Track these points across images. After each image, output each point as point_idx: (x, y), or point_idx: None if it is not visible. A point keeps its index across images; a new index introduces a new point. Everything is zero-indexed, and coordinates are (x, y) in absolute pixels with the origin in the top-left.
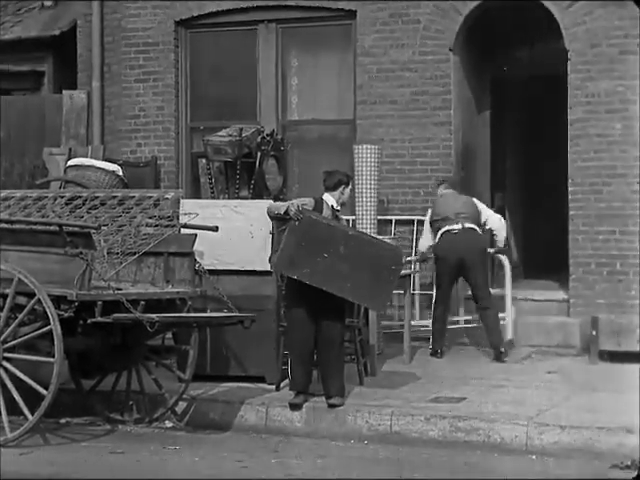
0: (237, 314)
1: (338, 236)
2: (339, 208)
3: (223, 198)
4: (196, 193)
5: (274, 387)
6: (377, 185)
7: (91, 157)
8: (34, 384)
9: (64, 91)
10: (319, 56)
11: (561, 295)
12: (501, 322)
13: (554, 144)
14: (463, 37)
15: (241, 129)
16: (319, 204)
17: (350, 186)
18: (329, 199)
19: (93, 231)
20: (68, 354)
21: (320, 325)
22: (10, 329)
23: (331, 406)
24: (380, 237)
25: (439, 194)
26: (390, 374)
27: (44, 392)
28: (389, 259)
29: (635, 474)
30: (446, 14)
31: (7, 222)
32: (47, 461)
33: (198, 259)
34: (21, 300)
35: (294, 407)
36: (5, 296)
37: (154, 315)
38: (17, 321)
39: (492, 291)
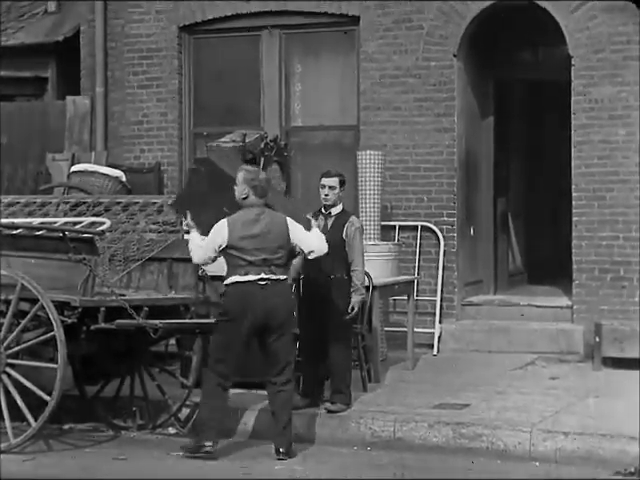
0: None
1: None
2: (325, 210)
3: None
4: None
5: None
6: (380, 191)
7: (94, 163)
8: (37, 390)
9: (67, 97)
10: (322, 62)
11: (564, 301)
12: None
13: (557, 150)
14: (467, 43)
15: (244, 135)
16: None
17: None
18: None
19: (96, 237)
20: (71, 360)
21: (326, 334)
22: (13, 335)
23: (328, 411)
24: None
25: None
26: (394, 380)
27: (47, 398)
28: None
29: None
30: (450, 20)
31: (10, 227)
32: (50, 467)
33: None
34: (24, 306)
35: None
36: (8, 302)
37: (157, 321)
38: (20, 327)
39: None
